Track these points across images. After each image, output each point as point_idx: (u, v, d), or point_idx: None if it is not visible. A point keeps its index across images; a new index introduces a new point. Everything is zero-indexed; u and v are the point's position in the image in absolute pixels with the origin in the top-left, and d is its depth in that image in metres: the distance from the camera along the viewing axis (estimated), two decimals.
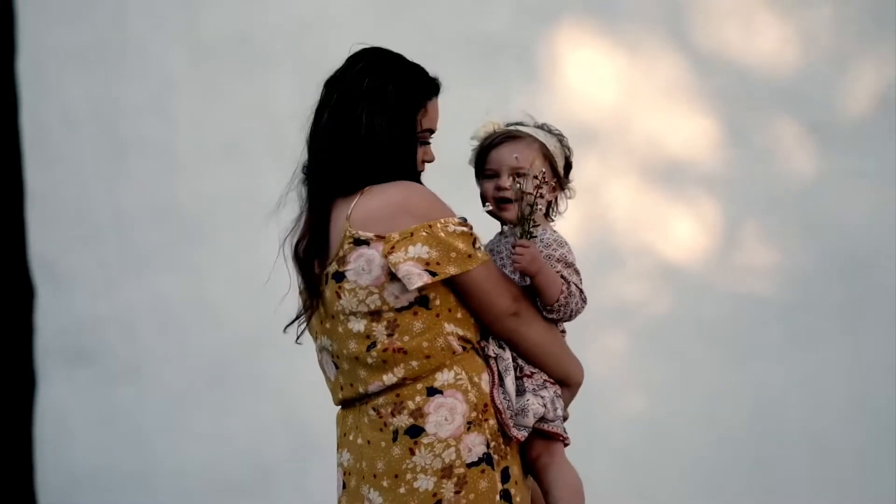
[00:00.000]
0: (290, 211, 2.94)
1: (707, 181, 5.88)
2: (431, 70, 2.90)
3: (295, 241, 2.84)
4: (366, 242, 2.72)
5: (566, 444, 2.87)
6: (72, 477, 6.15)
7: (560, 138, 2.97)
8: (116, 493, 6.14)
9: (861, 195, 5.80)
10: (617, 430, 5.84)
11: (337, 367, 2.82)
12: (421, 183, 2.84)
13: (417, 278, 2.68)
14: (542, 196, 2.79)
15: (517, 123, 2.98)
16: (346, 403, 2.85)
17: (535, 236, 2.80)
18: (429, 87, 2.86)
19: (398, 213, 2.72)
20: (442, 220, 2.73)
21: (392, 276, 2.70)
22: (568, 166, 2.97)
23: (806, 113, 5.84)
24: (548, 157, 2.89)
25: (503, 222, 2.95)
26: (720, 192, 5.88)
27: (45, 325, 6.19)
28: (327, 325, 2.80)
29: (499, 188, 2.89)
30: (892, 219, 5.80)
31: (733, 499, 5.84)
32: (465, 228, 2.75)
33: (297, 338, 2.90)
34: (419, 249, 2.69)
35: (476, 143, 2.97)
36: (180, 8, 6.14)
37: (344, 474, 2.85)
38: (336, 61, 2.91)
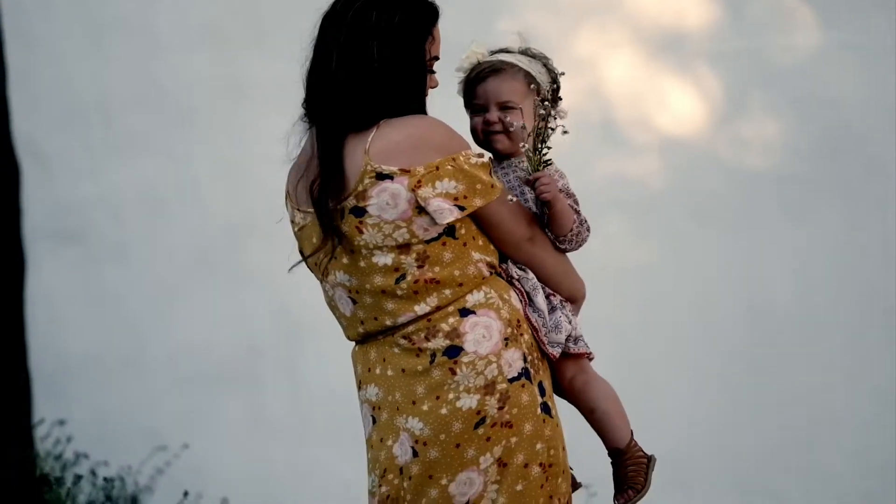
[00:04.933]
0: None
1: (702, 54, 5.86)
2: None
3: (309, 182, 2.78)
4: (389, 176, 2.70)
5: (591, 359, 2.95)
6: (64, 361, 6.19)
7: (545, 61, 2.95)
8: (109, 377, 6.19)
9: (857, 69, 5.78)
10: (610, 308, 5.86)
11: (355, 302, 2.80)
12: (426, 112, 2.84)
13: (449, 213, 2.70)
14: (551, 127, 2.81)
15: (502, 50, 2.96)
16: (367, 338, 2.83)
17: (550, 163, 2.84)
18: (432, 13, 2.83)
19: (421, 147, 2.71)
20: (464, 153, 2.74)
21: (419, 210, 2.70)
22: (556, 89, 2.95)
23: None
24: (533, 84, 2.88)
25: (497, 154, 2.95)
26: (716, 64, 5.85)
27: (31, 207, 6.17)
28: (344, 260, 2.78)
29: (487, 122, 2.91)
30: (888, 93, 5.77)
31: (724, 372, 5.89)
32: (483, 159, 2.76)
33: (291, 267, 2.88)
34: (447, 184, 2.70)
35: (461, 75, 2.96)
36: None
37: (372, 409, 2.83)
38: None
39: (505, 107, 2.87)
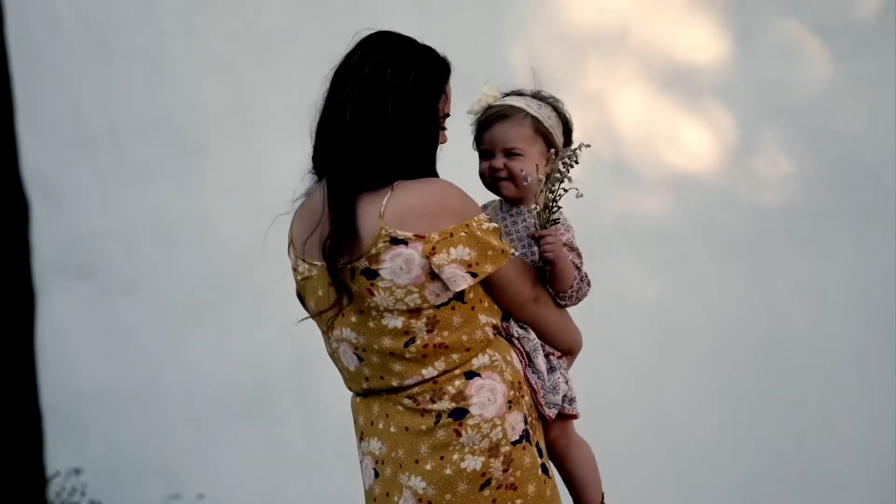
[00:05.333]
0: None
1: (712, 88, 5.86)
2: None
3: (322, 239, 2.79)
4: (404, 242, 2.72)
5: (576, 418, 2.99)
6: (76, 396, 6.18)
7: (556, 104, 2.96)
8: (121, 410, 6.16)
9: (867, 101, 5.76)
10: (625, 342, 5.84)
11: (361, 360, 2.83)
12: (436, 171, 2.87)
13: (462, 281, 2.73)
14: (563, 188, 2.81)
15: (514, 92, 2.97)
16: (370, 393, 2.86)
17: (559, 221, 2.86)
18: (445, 70, 2.85)
19: (436, 213, 2.73)
20: (476, 219, 2.76)
21: (432, 275, 2.73)
22: (567, 132, 2.96)
23: (811, 16, 5.76)
24: (541, 131, 2.89)
25: (505, 199, 2.98)
26: (726, 98, 5.82)
27: (41, 242, 6.15)
28: (352, 319, 2.80)
29: (493, 168, 2.93)
30: None
31: (739, 408, 5.86)
32: (493, 224, 2.79)
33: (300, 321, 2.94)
34: (460, 251, 2.73)
35: (472, 118, 2.98)
36: None
37: (375, 462, 2.87)
38: None
39: (511, 153, 2.89)
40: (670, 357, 5.89)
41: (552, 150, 2.87)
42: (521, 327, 2.88)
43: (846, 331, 5.82)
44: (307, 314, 2.93)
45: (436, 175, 2.83)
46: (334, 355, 2.89)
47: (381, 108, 2.74)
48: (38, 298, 6.17)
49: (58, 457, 6.17)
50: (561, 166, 2.81)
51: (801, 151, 5.80)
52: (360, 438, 2.89)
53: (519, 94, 2.97)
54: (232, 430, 6.10)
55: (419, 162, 2.78)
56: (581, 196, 2.83)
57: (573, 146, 2.87)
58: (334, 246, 2.74)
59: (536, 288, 2.87)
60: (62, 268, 6.17)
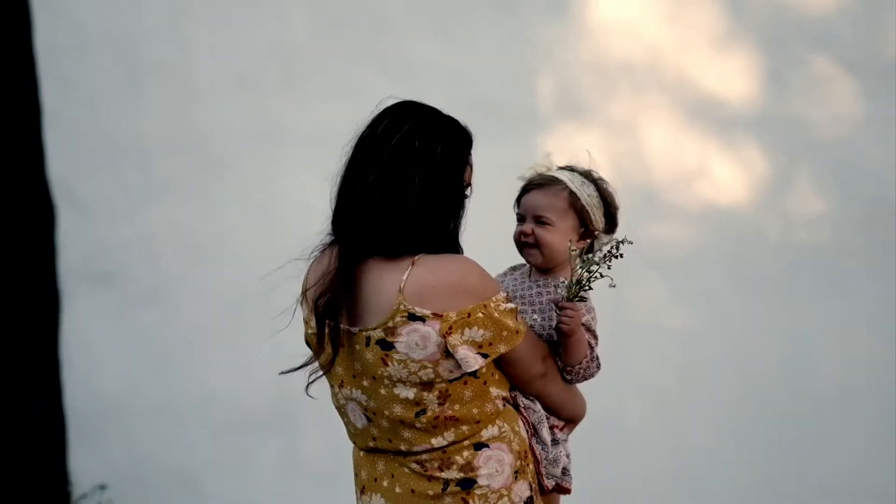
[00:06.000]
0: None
1: (743, 121, 5.83)
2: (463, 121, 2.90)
3: (316, 293, 2.83)
4: (422, 319, 2.74)
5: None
6: (99, 403, 6.19)
7: (599, 185, 2.99)
8: (143, 419, 6.17)
9: (893, 139, 5.73)
10: (649, 372, 5.83)
11: (370, 420, 2.86)
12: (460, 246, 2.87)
13: (473, 362, 2.74)
14: (599, 273, 2.85)
15: (566, 167, 3.01)
16: (376, 451, 2.90)
17: (585, 300, 2.89)
18: (468, 141, 2.86)
19: (455, 292, 2.74)
20: (494, 299, 2.78)
21: (447, 354, 2.75)
22: (609, 216, 3.00)
23: (843, 53, 5.75)
24: (576, 207, 2.94)
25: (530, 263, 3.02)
26: (756, 132, 5.81)
27: (66, 249, 6.17)
28: (364, 383, 2.83)
29: (522, 233, 2.97)
30: None
31: (763, 444, 5.86)
32: (510, 305, 2.81)
33: (307, 387, 2.95)
34: (475, 332, 2.74)
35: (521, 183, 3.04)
36: None
37: None
38: None
39: (541, 221, 2.93)
40: (693, 386, 5.88)
41: (597, 232, 2.92)
42: (527, 398, 2.92)
43: (873, 370, 5.80)
44: (302, 363, 2.98)
45: (458, 248, 2.85)
46: (341, 409, 2.93)
47: (409, 178, 2.74)
48: (63, 304, 6.20)
49: (80, 463, 6.20)
50: (603, 251, 2.84)
51: (830, 188, 5.80)
52: (362, 492, 2.91)
53: (570, 169, 3.00)
54: (252, 441, 6.12)
55: (443, 234, 2.79)
56: (614, 286, 2.86)
57: (618, 238, 2.88)
58: (328, 306, 2.77)
59: (546, 363, 2.90)
60: (87, 275, 6.19)
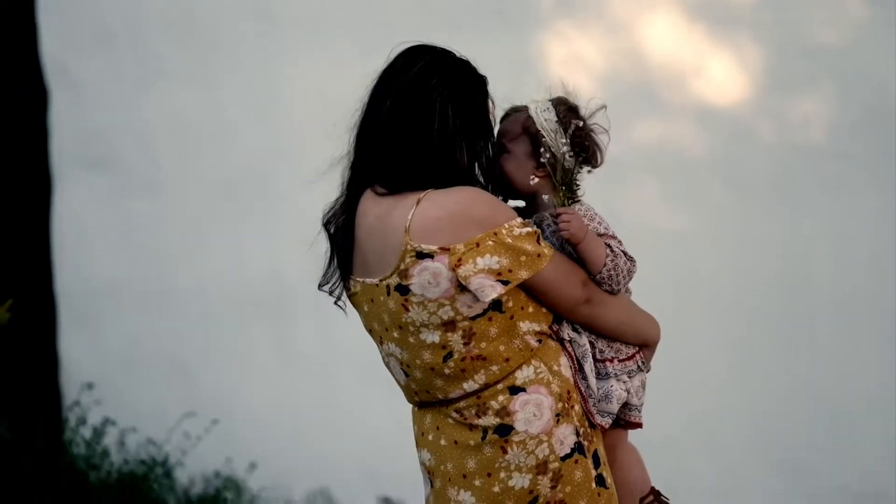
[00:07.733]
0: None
1: (743, 22, 5.79)
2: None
3: (325, 218, 2.88)
4: (429, 255, 2.67)
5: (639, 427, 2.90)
6: (91, 286, 6.18)
7: (565, 113, 2.82)
8: (136, 305, 6.18)
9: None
10: (646, 278, 5.80)
11: (407, 375, 2.82)
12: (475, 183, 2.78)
13: (491, 290, 2.66)
14: (567, 167, 2.75)
15: (555, 98, 2.86)
16: (423, 404, 2.85)
17: (577, 201, 2.79)
18: (483, 81, 2.78)
19: (461, 223, 2.67)
20: (506, 225, 2.68)
21: (462, 287, 2.67)
22: (578, 140, 2.82)
23: None
24: (529, 130, 2.80)
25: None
26: (756, 34, 5.75)
27: (59, 131, 6.12)
28: (395, 335, 2.78)
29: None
30: None
31: (757, 343, 5.87)
32: (528, 228, 2.71)
33: (336, 300, 2.92)
34: (488, 260, 2.65)
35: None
36: None
37: (428, 473, 2.85)
38: None
39: (501, 150, 2.82)
40: (687, 288, 5.88)
41: (564, 157, 2.77)
42: (574, 330, 2.80)
43: (868, 275, 5.81)
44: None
45: (471, 183, 2.75)
46: (388, 368, 2.88)
47: (428, 111, 2.68)
48: (55, 185, 6.16)
49: (71, 345, 6.20)
50: (563, 146, 2.75)
51: (831, 93, 5.75)
52: (417, 446, 2.88)
53: (562, 101, 2.86)
54: (246, 330, 6.12)
55: (455, 168, 2.71)
56: (591, 171, 2.79)
57: (580, 122, 2.79)
58: (336, 232, 2.85)
59: (588, 288, 2.77)
60: (80, 158, 6.15)
